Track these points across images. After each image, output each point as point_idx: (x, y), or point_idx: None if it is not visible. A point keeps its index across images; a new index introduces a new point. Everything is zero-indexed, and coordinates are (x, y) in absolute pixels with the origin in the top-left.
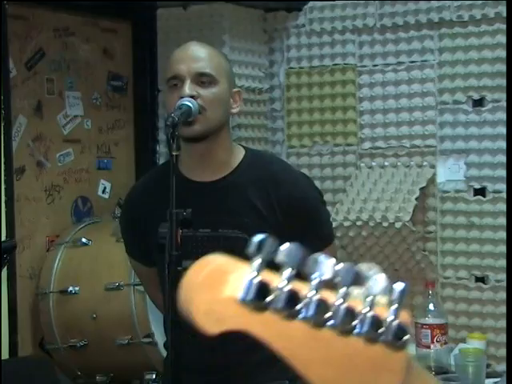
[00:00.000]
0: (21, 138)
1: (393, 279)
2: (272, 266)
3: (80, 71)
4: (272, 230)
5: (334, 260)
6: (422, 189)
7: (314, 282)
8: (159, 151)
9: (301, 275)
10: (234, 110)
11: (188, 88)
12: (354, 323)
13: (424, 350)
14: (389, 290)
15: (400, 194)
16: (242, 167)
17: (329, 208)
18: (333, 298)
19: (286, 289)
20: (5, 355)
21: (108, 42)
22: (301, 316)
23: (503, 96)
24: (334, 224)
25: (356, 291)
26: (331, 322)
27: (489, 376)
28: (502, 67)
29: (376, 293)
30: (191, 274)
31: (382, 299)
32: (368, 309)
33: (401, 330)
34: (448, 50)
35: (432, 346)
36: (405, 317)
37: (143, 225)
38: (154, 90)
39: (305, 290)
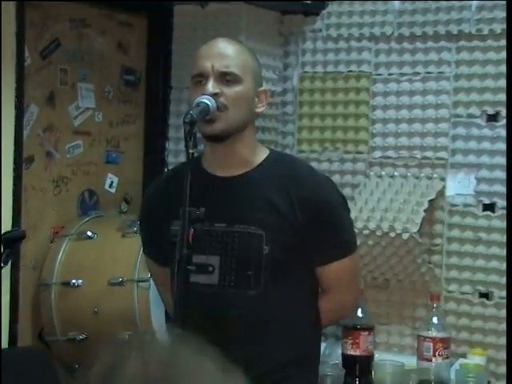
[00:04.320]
0: (31, 127)
1: (396, 290)
2: None
3: (94, 63)
4: (291, 228)
5: None
6: (430, 201)
7: None
8: (168, 148)
9: None
10: (259, 110)
11: (211, 86)
12: None
13: (425, 363)
14: None
15: (408, 205)
16: (265, 165)
17: None
18: None
19: None
20: (4, 345)
21: (123, 35)
22: None
23: None
24: None
25: None
26: None
27: None
28: None
29: None
30: None
31: None
32: None
33: None
34: (465, 63)
35: (433, 360)
36: None
37: (159, 221)
38: (167, 86)
39: None
